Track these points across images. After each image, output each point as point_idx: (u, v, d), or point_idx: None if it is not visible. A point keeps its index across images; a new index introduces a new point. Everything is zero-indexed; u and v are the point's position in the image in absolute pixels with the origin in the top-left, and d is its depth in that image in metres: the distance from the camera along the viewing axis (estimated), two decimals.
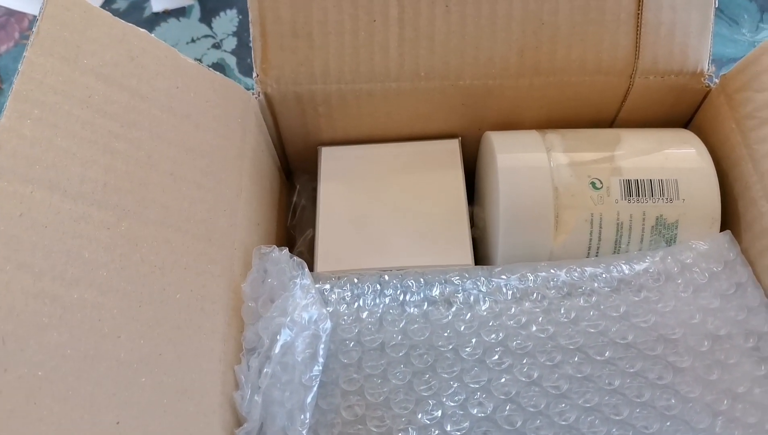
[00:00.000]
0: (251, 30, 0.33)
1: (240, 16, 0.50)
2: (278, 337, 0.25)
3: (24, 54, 0.24)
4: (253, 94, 0.33)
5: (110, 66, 0.26)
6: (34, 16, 0.53)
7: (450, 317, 0.28)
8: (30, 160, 0.23)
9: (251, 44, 0.33)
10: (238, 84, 0.33)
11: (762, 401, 0.26)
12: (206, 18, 0.49)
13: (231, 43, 0.48)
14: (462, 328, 0.27)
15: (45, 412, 0.21)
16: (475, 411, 0.25)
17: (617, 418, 0.25)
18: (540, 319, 0.27)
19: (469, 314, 0.28)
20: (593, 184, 0.32)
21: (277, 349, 0.25)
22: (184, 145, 0.28)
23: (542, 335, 0.27)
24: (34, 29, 0.25)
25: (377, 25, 0.33)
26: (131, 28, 0.27)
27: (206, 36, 0.49)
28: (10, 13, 0.53)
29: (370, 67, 0.33)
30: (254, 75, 0.33)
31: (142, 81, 0.27)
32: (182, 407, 0.25)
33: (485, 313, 0.28)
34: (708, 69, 0.34)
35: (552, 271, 0.29)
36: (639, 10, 0.33)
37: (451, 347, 0.27)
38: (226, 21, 0.49)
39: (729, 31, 0.46)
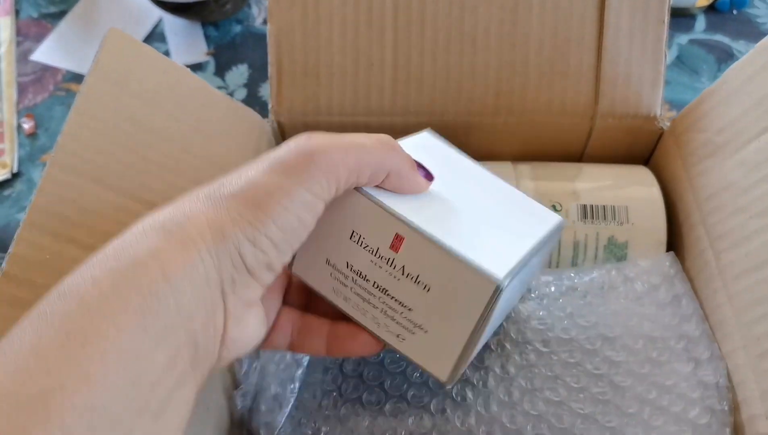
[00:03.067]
0: (269, 69, 0.39)
1: (250, 70, 0.56)
2: None
3: (85, 78, 0.30)
4: (267, 122, 0.40)
5: (152, 92, 0.32)
6: (67, 71, 0.61)
7: None
8: (84, 159, 0.29)
9: (259, 92, 0.39)
10: (257, 113, 0.39)
11: (687, 393, 0.29)
12: (220, 72, 0.57)
13: (242, 93, 0.55)
14: None
15: None
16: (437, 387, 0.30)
17: (556, 399, 0.29)
18: None
19: None
20: (554, 207, 0.37)
21: None
22: (208, 158, 0.34)
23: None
24: (94, 58, 0.31)
25: (375, 68, 0.39)
26: (171, 63, 0.34)
27: (220, 87, 0.56)
28: (45, 68, 0.62)
29: (367, 104, 0.39)
30: (270, 105, 0.39)
31: (177, 105, 0.33)
32: None
33: None
34: (660, 113, 0.39)
35: None
36: (598, 63, 0.38)
37: None
38: (238, 74, 0.56)
39: (690, 80, 0.51)
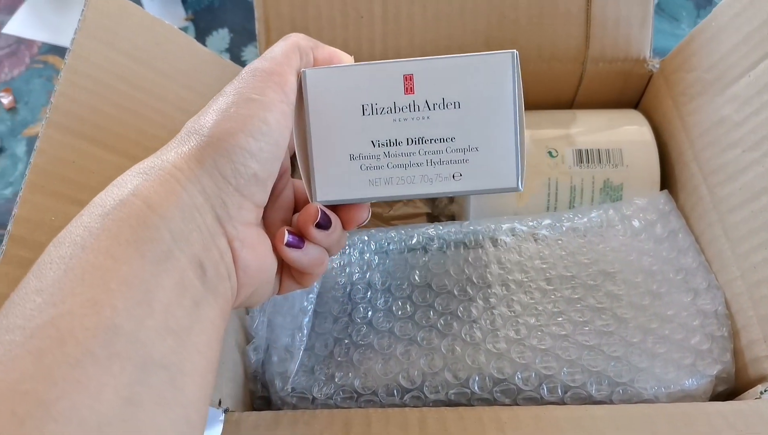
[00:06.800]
0: (257, 26, 0.38)
1: (231, 34, 0.55)
2: None
3: (73, 36, 0.30)
4: None
5: (141, 49, 0.32)
6: (43, 43, 0.59)
7: (426, 259, 0.33)
8: (81, 120, 0.28)
9: (243, 56, 0.38)
10: None
11: (687, 322, 0.30)
12: (200, 37, 0.56)
13: (224, 58, 0.54)
14: (433, 269, 0.32)
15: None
16: (440, 329, 0.30)
17: (563, 333, 0.30)
18: (501, 258, 0.32)
19: (441, 259, 0.33)
20: (550, 153, 0.37)
21: None
22: None
23: (501, 271, 0.32)
24: (80, 17, 0.30)
25: (364, 20, 0.38)
26: (157, 20, 0.33)
27: None
28: (20, 40, 0.59)
29: (358, 56, 0.39)
30: None
31: (166, 63, 0.33)
32: None
33: (453, 255, 0.33)
34: (650, 56, 0.39)
35: (513, 224, 0.34)
36: (588, 6, 0.38)
37: (425, 283, 0.32)
38: (219, 39, 0.55)
39: (670, 27, 0.52)
